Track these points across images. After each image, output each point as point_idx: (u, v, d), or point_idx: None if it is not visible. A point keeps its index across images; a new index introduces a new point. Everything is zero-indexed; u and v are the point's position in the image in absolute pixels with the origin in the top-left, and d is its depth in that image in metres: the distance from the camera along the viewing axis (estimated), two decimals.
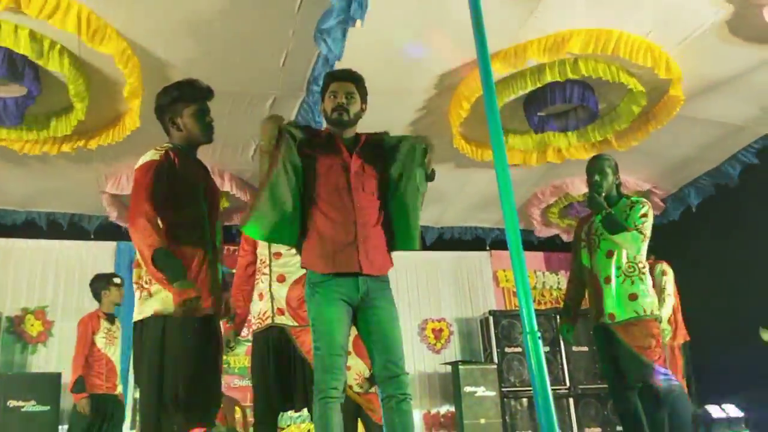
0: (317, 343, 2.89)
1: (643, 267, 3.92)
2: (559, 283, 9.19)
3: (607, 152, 6.32)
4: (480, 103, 5.45)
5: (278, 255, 3.84)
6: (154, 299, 2.88)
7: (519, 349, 7.91)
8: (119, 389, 5.66)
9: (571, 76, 5.30)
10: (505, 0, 4.45)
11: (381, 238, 3.06)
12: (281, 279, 3.80)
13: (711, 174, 7.36)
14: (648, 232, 3.88)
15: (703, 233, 7.53)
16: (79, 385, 5.44)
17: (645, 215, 3.89)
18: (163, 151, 2.97)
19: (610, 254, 3.93)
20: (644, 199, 4.05)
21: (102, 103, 5.30)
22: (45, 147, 5.65)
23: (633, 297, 3.85)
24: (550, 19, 4.91)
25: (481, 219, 8.69)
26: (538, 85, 5.41)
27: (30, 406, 6.41)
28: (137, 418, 6.93)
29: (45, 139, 5.59)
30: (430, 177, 3.11)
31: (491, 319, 8.09)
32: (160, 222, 2.85)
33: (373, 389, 5.50)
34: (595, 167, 4.06)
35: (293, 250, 3.80)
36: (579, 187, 7.45)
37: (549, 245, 9.05)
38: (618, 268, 3.91)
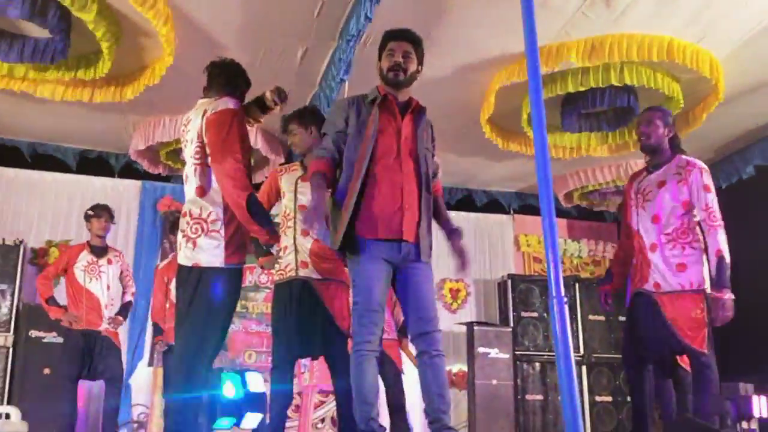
0: (356, 298, 2.97)
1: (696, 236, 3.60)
2: (579, 251, 9.14)
3: None
4: (508, 95, 5.52)
5: (303, 207, 3.80)
6: (200, 249, 2.97)
7: (535, 314, 7.93)
8: (103, 325, 5.44)
9: (615, 83, 5.24)
10: None
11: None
12: (305, 233, 3.78)
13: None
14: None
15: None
16: (51, 301, 5.44)
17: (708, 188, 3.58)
18: (238, 103, 3.13)
19: (656, 219, 3.62)
20: (702, 164, 3.65)
21: (133, 51, 5.29)
22: (77, 94, 5.65)
23: (681, 267, 3.54)
24: (597, 19, 4.88)
25: (507, 185, 8.69)
26: (581, 88, 5.35)
27: (51, 337, 6.53)
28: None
29: (77, 84, 5.58)
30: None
31: (509, 282, 8.09)
32: None
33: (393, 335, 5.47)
34: (641, 116, 3.81)
35: None
36: (605, 176, 7.55)
37: (572, 213, 8.99)
38: (665, 234, 3.59)
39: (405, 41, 3.16)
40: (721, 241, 3.52)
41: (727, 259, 3.50)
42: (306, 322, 3.69)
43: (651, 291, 3.59)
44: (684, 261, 3.55)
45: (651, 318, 3.58)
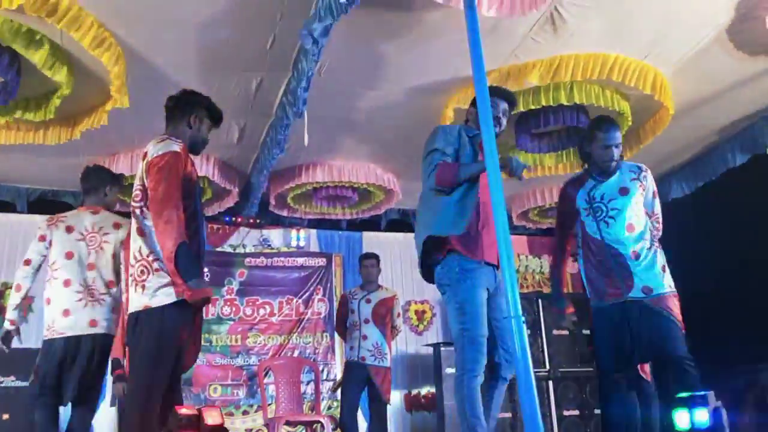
0: (467, 325, 3.22)
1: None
2: (541, 267, 9.24)
3: None
4: (461, 119, 5.60)
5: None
6: (148, 292, 2.92)
7: None
8: None
9: (564, 102, 5.31)
10: (501, 21, 4.47)
11: None
12: None
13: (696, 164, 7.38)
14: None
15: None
16: None
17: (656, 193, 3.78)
18: (182, 145, 3.09)
19: (631, 228, 3.59)
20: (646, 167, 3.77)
21: (85, 93, 5.23)
22: (28, 137, 5.61)
23: (664, 269, 3.59)
24: (546, 43, 4.96)
25: None
26: (532, 107, 5.41)
27: (9, 381, 6.37)
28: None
29: (27, 127, 5.53)
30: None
31: None
32: None
33: (386, 363, 5.57)
34: (612, 138, 3.66)
35: None
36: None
37: (532, 229, 9.08)
38: (645, 240, 3.60)
39: (506, 102, 3.72)
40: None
41: None
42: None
43: (641, 297, 3.51)
44: (664, 262, 3.62)
45: (646, 325, 3.49)
